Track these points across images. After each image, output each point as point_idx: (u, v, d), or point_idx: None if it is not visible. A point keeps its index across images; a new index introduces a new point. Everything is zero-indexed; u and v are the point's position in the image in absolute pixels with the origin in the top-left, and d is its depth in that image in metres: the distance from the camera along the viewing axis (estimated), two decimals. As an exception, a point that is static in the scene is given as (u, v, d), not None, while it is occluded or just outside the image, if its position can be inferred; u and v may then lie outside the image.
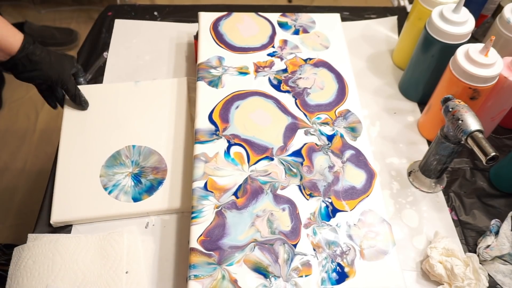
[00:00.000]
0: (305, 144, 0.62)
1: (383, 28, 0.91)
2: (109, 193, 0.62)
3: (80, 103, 0.69)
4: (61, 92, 0.69)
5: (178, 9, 0.92)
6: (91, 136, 0.67)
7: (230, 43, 0.73)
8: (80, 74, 0.72)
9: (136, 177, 0.63)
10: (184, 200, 0.62)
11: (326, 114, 0.66)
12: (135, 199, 0.61)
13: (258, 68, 0.70)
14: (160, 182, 0.63)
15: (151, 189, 0.62)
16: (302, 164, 0.60)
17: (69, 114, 0.70)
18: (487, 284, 0.56)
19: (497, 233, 0.61)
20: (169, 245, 0.60)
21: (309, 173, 0.60)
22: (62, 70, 0.65)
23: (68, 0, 1.83)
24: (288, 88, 0.68)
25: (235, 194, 0.57)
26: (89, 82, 0.78)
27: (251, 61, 0.71)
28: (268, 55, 0.72)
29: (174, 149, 0.67)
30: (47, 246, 0.57)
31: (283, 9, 0.86)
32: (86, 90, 0.72)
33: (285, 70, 0.71)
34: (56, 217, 0.60)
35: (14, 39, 0.60)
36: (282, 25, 0.77)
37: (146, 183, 0.63)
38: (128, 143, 0.67)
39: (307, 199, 0.57)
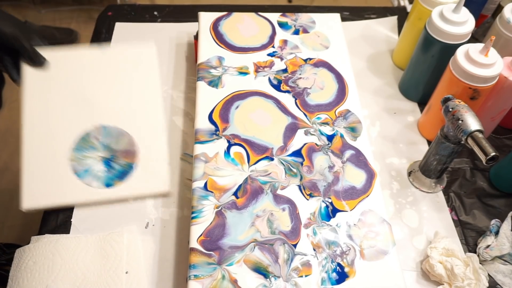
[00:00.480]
0: (305, 144, 0.62)
1: (383, 28, 0.91)
2: (80, 178, 0.59)
3: (39, 61, 0.61)
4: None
5: (178, 9, 0.92)
6: (56, 114, 0.61)
7: (230, 43, 0.73)
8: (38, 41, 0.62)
9: (108, 162, 0.60)
10: (159, 184, 0.60)
11: (326, 114, 0.66)
12: (108, 185, 0.59)
13: (258, 68, 0.70)
14: (130, 167, 0.60)
15: (123, 174, 0.60)
16: (302, 164, 0.60)
17: (30, 89, 0.62)
18: (487, 284, 0.56)
19: (497, 233, 0.61)
20: (169, 245, 0.60)
21: (309, 173, 0.60)
22: (16, 23, 0.58)
23: (68, 0, 1.83)
24: (288, 88, 0.68)
25: (235, 194, 0.57)
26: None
27: (251, 61, 0.71)
28: (268, 55, 0.72)
29: (147, 128, 0.62)
30: (47, 246, 0.57)
31: (283, 9, 0.86)
32: (48, 56, 0.63)
33: (285, 70, 0.71)
34: (28, 203, 0.57)
35: None
36: (282, 25, 0.77)
37: (118, 168, 0.60)
38: (97, 121, 0.61)
39: (307, 199, 0.57)
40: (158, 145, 0.61)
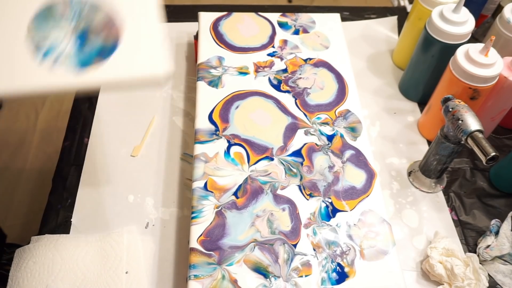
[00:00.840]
0: (305, 144, 0.62)
1: (383, 28, 0.91)
2: (44, 56, 0.44)
3: None
4: None
5: (178, 9, 0.92)
6: None
7: (230, 43, 0.73)
8: None
9: (82, 36, 0.45)
10: (154, 65, 0.45)
11: (326, 114, 0.66)
12: (83, 64, 0.44)
13: (258, 68, 0.70)
14: (114, 45, 0.45)
15: (104, 52, 0.45)
16: (302, 164, 0.60)
17: None
18: (487, 284, 0.56)
19: (497, 233, 0.61)
20: (169, 245, 0.60)
21: (309, 173, 0.60)
22: None
23: (68, 0, 1.82)
24: (288, 88, 0.68)
25: (235, 194, 0.57)
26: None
27: (251, 61, 0.71)
28: (268, 55, 0.72)
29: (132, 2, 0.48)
30: (47, 246, 0.57)
31: (283, 9, 0.86)
32: None
33: (285, 70, 0.71)
34: None
35: None
36: (282, 25, 0.77)
37: (96, 43, 0.45)
38: None
39: (307, 199, 0.57)
40: (149, 21, 0.48)
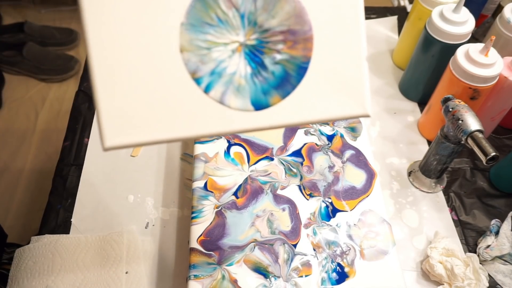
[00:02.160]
0: (305, 144, 0.62)
1: (383, 28, 0.91)
2: (206, 90, 0.30)
3: None
4: None
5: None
6: None
7: (230, 43, 0.73)
8: None
9: (254, 55, 0.31)
10: (360, 101, 0.34)
11: (326, 114, 0.66)
12: (258, 104, 0.31)
13: (258, 68, 0.70)
14: (302, 67, 0.31)
15: (285, 82, 0.31)
16: (302, 164, 0.60)
17: None
18: (487, 284, 0.56)
19: (497, 233, 0.61)
20: (169, 245, 0.60)
21: (309, 173, 0.60)
22: None
23: (68, 0, 1.83)
24: (288, 88, 0.68)
25: (235, 194, 0.57)
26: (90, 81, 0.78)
27: (251, 61, 0.71)
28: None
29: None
30: (47, 246, 0.57)
31: (283, 9, 0.86)
32: None
33: (285, 70, 0.70)
34: (112, 139, 0.30)
35: None
36: (282, 25, 0.77)
37: (274, 68, 0.31)
38: None
39: (307, 199, 0.57)
40: (352, 33, 0.32)
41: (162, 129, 0.30)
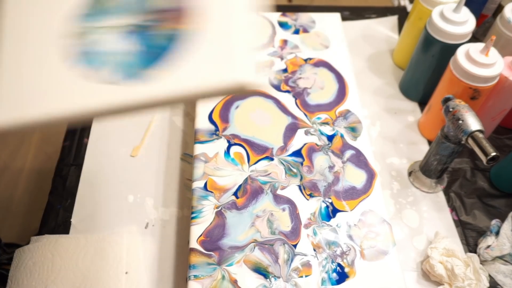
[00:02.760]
0: (305, 144, 0.62)
1: (383, 28, 0.91)
2: (88, 64, 0.33)
3: None
4: None
5: (178, 8, 0.91)
6: None
7: (230, 43, 0.73)
8: None
9: (140, 34, 0.33)
10: (239, 69, 0.32)
11: (326, 114, 0.66)
12: (133, 76, 0.32)
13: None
14: (179, 37, 0.33)
15: (164, 54, 0.32)
16: (302, 164, 0.60)
17: None
18: (488, 284, 0.56)
19: (497, 233, 0.61)
20: (169, 245, 0.60)
21: (309, 173, 0.59)
22: None
23: (68, 0, 1.83)
24: (288, 88, 0.68)
25: (235, 194, 0.57)
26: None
27: (251, 61, 0.71)
28: (268, 54, 0.72)
29: None
30: (47, 247, 0.57)
31: (283, 9, 0.86)
32: None
33: (285, 70, 0.70)
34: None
35: None
36: (282, 24, 0.77)
37: (157, 42, 0.33)
38: None
39: (307, 199, 0.57)
40: (239, 6, 0.34)
41: (37, 107, 0.32)
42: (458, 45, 0.64)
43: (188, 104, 0.71)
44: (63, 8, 0.34)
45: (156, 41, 0.33)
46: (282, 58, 0.72)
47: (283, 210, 0.56)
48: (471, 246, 0.62)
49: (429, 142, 0.73)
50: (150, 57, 0.32)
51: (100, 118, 0.33)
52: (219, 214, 0.55)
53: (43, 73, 0.32)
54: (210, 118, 0.64)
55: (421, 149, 0.72)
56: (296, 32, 0.76)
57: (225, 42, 0.33)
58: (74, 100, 0.32)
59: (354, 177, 0.60)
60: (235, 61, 0.32)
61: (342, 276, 0.52)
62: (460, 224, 0.64)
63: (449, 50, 0.66)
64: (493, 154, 0.52)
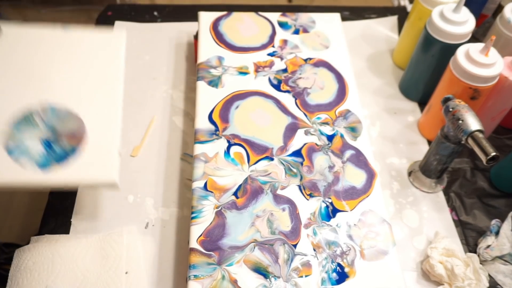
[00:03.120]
0: (305, 144, 0.62)
1: (383, 28, 0.91)
2: (11, 154, 0.51)
3: None
4: None
5: (178, 9, 0.92)
6: (3, 85, 0.56)
7: (230, 43, 0.73)
8: None
9: (48, 143, 0.53)
10: (103, 173, 0.53)
11: (326, 114, 0.66)
12: (43, 166, 0.51)
13: (258, 68, 0.70)
14: (73, 150, 0.53)
15: (62, 158, 0.52)
16: (302, 164, 0.60)
17: None
18: (488, 284, 0.56)
19: (497, 233, 0.61)
20: (169, 245, 0.60)
21: (309, 173, 0.59)
22: None
23: (68, 0, 1.83)
24: (288, 88, 0.68)
25: (235, 194, 0.57)
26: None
27: (251, 61, 0.71)
28: (268, 55, 0.72)
29: (100, 114, 0.56)
30: (47, 247, 0.57)
31: (283, 9, 0.86)
32: (5, 30, 0.60)
33: (285, 70, 0.70)
34: None
35: None
36: (282, 25, 0.77)
37: (58, 150, 0.53)
38: (45, 100, 0.55)
39: (307, 199, 0.57)
40: (111, 134, 0.55)
41: None
42: (458, 45, 0.64)
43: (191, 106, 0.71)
44: (4, 115, 0.54)
45: (58, 150, 0.53)
46: (282, 58, 0.72)
47: (283, 210, 0.56)
48: (471, 246, 0.62)
49: (429, 142, 0.73)
50: (52, 158, 0.52)
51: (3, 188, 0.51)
52: (219, 214, 0.55)
53: None
54: (210, 118, 0.64)
55: (421, 149, 0.72)
56: (296, 32, 0.76)
57: (96, 156, 0.53)
58: (6, 175, 0.51)
59: (354, 177, 0.60)
60: (103, 169, 0.53)
61: (342, 276, 0.52)
62: (460, 224, 0.64)
63: (449, 50, 0.66)
64: (493, 154, 0.52)
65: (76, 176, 0.52)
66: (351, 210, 0.57)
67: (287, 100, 0.67)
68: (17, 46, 0.60)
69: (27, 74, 0.58)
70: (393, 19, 0.92)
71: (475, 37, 0.81)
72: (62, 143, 0.53)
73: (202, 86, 0.67)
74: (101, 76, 0.59)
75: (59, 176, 0.51)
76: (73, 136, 0.54)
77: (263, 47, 0.73)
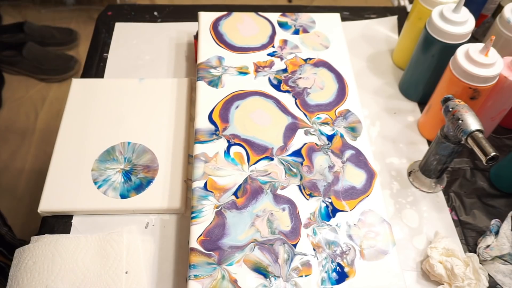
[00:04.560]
0: (305, 144, 0.62)
1: (383, 28, 0.91)
2: (99, 187, 0.62)
3: None
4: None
5: (178, 9, 0.92)
6: (89, 129, 0.68)
7: (230, 43, 0.73)
8: None
9: (127, 174, 0.64)
10: (172, 200, 0.62)
11: (326, 114, 0.66)
12: (123, 196, 0.62)
13: (258, 68, 0.70)
14: (149, 181, 0.63)
15: (139, 187, 0.62)
16: (302, 164, 0.60)
17: (71, 106, 0.71)
18: (487, 284, 0.56)
19: (497, 233, 0.61)
20: (169, 245, 0.60)
21: (309, 173, 0.60)
22: None
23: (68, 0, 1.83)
24: (288, 88, 0.68)
25: (235, 194, 0.57)
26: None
27: (251, 61, 0.71)
28: (268, 55, 0.72)
29: (169, 150, 0.67)
30: (47, 246, 0.57)
31: (283, 9, 0.86)
32: (90, 83, 0.74)
33: (285, 70, 0.71)
34: (44, 206, 0.61)
35: None
36: (282, 25, 0.77)
37: (135, 180, 0.63)
38: (124, 139, 0.67)
39: (307, 199, 0.57)
40: (177, 166, 0.65)
41: (76, 204, 0.61)
42: (457, 45, 0.64)
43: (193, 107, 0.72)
44: (93, 154, 0.66)
45: (135, 180, 0.64)
46: (282, 58, 0.72)
47: (283, 210, 0.56)
48: (470, 246, 0.62)
49: (429, 142, 0.73)
50: (131, 188, 0.63)
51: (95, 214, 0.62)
52: (219, 214, 0.55)
53: (81, 187, 0.63)
54: (210, 118, 0.64)
55: (421, 149, 0.72)
56: (296, 32, 0.76)
57: (166, 186, 0.63)
58: (94, 204, 0.62)
59: (354, 177, 0.60)
60: (171, 197, 0.62)
61: (342, 276, 0.52)
62: (460, 224, 0.64)
63: (449, 50, 0.66)
64: (493, 154, 0.52)
65: (148, 203, 0.61)
66: (351, 210, 0.57)
67: (287, 100, 0.67)
68: (104, 95, 0.73)
69: (112, 119, 0.70)
70: (393, 19, 0.92)
71: (475, 37, 0.81)
72: (138, 175, 0.64)
73: (202, 86, 0.67)
74: (169, 119, 0.70)
75: (135, 204, 0.61)
76: (148, 168, 0.64)
77: (263, 47, 0.73)
